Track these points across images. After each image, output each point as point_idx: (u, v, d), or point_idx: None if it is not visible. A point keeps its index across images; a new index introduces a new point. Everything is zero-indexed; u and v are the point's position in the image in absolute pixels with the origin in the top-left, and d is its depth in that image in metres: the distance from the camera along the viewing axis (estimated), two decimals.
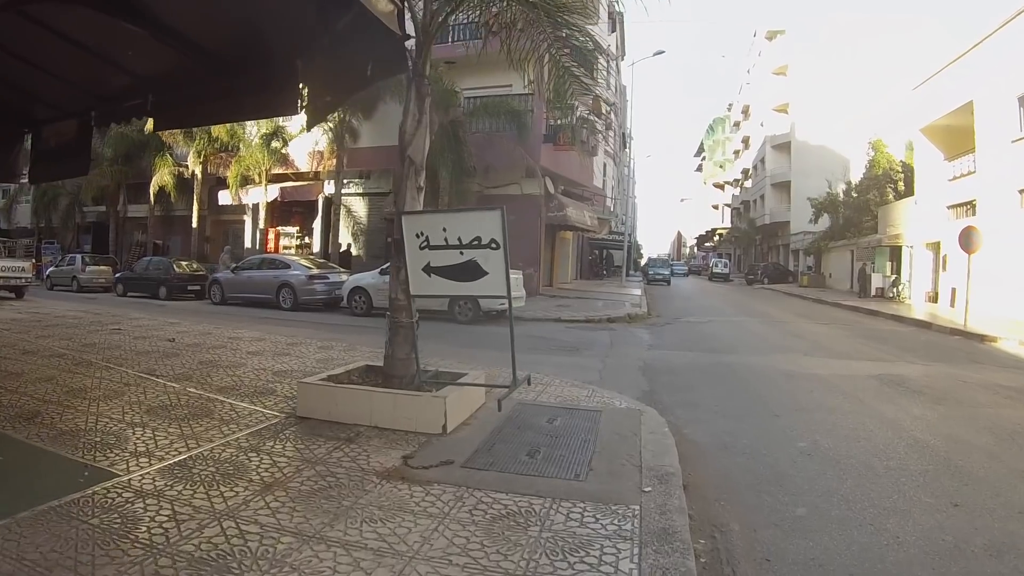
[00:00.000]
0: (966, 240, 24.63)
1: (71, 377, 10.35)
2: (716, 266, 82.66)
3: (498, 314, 22.72)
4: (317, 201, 37.27)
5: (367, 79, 6.70)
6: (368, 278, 24.29)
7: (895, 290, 41.11)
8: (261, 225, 38.34)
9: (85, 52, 7.49)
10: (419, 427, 7.78)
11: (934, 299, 36.60)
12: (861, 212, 51.15)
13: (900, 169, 48.69)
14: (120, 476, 5.99)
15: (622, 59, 64.20)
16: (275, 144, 35.87)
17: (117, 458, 6.49)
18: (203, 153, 37.83)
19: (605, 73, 47.70)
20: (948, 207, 35.65)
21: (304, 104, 7.27)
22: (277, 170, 37.28)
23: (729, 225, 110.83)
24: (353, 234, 36.93)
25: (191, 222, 40.71)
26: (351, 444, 7.21)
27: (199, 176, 39.02)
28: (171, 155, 40.05)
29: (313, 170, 37.04)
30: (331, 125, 32.31)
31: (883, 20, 70.53)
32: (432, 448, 7.20)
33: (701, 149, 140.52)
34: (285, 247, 39.62)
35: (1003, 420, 9.99)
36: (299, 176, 37.92)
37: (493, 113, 30.23)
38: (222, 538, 4.72)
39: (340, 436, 7.51)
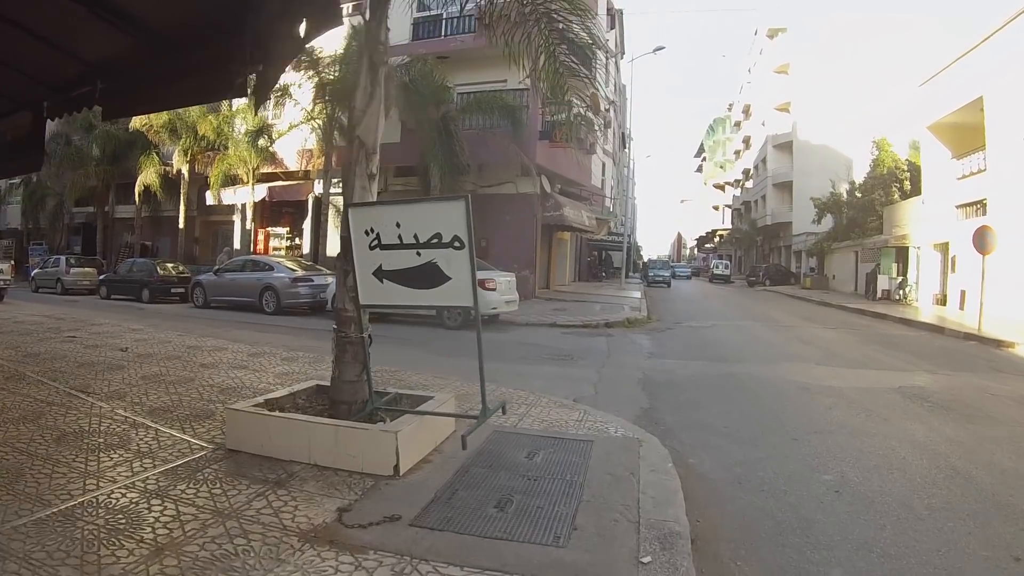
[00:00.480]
0: (980, 241, 23.85)
1: None
2: (717, 268, 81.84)
3: (490, 318, 21.76)
4: (307, 201, 36.01)
5: (301, 42, 5.56)
6: None
7: (902, 292, 40.21)
8: (248, 225, 37.12)
9: (34, 38, 6.73)
10: (366, 467, 6.40)
11: (942, 301, 35.74)
12: (866, 212, 50.25)
13: (906, 168, 47.77)
14: None
15: (621, 57, 63.43)
16: (262, 142, 34.99)
17: None
18: (190, 152, 36.77)
19: (604, 69, 47.15)
20: (957, 206, 34.65)
21: (251, 84, 6.19)
22: (266, 169, 36.35)
23: (730, 226, 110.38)
24: (344, 235, 35.18)
25: (179, 223, 39.71)
26: (280, 489, 5.85)
27: (186, 175, 37.99)
28: (157, 154, 39.18)
29: (303, 169, 35.98)
30: (319, 123, 31.19)
31: (883, 20, 70.25)
32: (378, 497, 5.81)
33: (701, 150, 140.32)
34: (275, 248, 39.59)
35: None
36: (289, 175, 36.91)
37: (486, 109, 29.13)
38: None
39: (269, 477, 6.19)
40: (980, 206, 31.98)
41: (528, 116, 29.88)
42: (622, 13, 60.35)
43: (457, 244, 6.36)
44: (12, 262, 36.07)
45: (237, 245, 38.77)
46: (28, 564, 4.25)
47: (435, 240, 6.44)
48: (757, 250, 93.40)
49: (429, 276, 6.55)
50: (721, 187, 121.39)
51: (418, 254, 6.57)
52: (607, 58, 50.85)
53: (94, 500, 5.43)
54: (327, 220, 33.33)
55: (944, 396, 11.80)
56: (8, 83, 8.11)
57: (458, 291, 6.54)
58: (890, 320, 28.69)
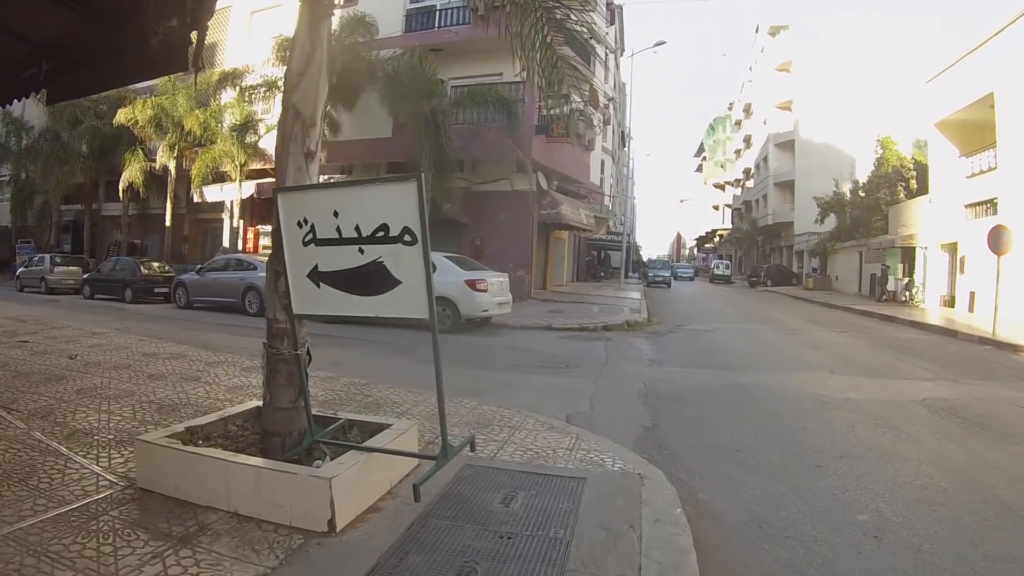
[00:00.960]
0: (995, 240, 22.96)
1: None
2: (717, 268, 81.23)
3: (482, 321, 20.83)
4: None
5: None
6: None
7: (908, 293, 39.29)
8: (235, 223, 36.16)
9: None
10: (295, 519, 5.06)
11: (950, 303, 34.97)
12: (870, 212, 49.39)
13: (912, 166, 46.91)
14: None
15: (621, 54, 62.65)
16: (250, 138, 34.25)
17: None
18: (176, 147, 35.79)
19: (603, 64, 46.34)
20: (966, 206, 33.90)
21: (192, 54, 5.99)
22: (256, 165, 35.33)
23: (730, 226, 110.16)
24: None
25: (166, 221, 38.80)
26: (184, 548, 4.56)
27: (173, 172, 37.03)
28: (143, 150, 38.12)
29: None
30: None
31: (884, 19, 70.15)
32: (304, 564, 4.44)
33: (701, 149, 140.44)
34: (266, 247, 37.80)
35: None
36: None
37: (480, 102, 28.18)
38: None
39: (175, 531, 4.89)
40: (990, 205, 31.24)
41: (524, 110, 28.93)
42: (622, 9, 59.75)
43: (408, 238, 4.99)
44: None
45: (226, 244, 37.79)
46: None
47: (381, 233, 5.10)
48: (758, 250, 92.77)
49: (374, 279, 5.22)
50: (721, 187, 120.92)
51: (361, 251, 5.25)
52: (607, 53, 50.37)
53: None
54: None
55: (974, 410, 10.75)
56: None
57: (409, 298, 5.15)
58: (899, 323, 27.80)
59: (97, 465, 6.32)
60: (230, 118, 34.84)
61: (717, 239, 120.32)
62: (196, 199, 37.68)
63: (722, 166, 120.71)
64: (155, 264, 31.55)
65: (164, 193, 38.37)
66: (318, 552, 4.72)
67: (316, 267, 5.51)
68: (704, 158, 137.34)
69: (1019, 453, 8.36)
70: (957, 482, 7.17)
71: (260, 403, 6.67)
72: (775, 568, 5.11)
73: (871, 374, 14.35)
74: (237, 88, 33.31)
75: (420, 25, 31.61)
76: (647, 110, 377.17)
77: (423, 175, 4.84)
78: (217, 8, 6.02)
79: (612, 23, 53.51)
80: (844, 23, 71.30)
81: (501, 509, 5.58)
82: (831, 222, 56.57)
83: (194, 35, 6.00)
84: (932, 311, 33.71)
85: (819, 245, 59.56)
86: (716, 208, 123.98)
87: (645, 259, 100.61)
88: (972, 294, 31.67)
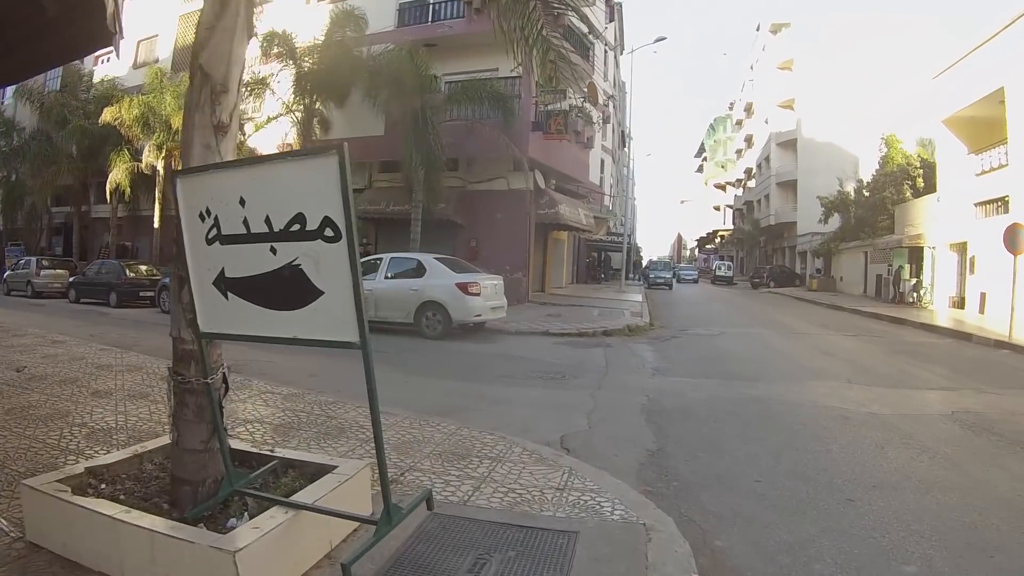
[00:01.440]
0: (1012, 239, 21.76)
1: None
2: (719, 269, 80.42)
3: (475, 327, 19.83)
4: None
5: None
6: None
7: (916, 294, 38.40)
8: None
9: None
10: None
11: (960, 304, 34.06)
12: (875, 211, 48.45)
13: (919, 164, 46.01)
14: None
15: (621, 53, 61.94)
16: (240, 137, 32.83)
17: None
18: (164, 147, 34.84)
19: (602, 60, 45.53)
20: (976, 204, 33.00)
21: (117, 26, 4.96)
22: None
23: (731, 227, 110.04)
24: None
25: (155, 222, 37.99)
26: None
27: (161, 172, 36.02)
28: (129, 150, 37.51)
29: None
30: (297, 115, 29.36)
31: (885, 18, 70.06)
32: None
33: (702, 149, 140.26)
34: None
35: None
36: None
37: (475, 98, 27.10)
38: None
39: None
40: (1001, 203, 30.40)
41: (520, 106, 28.04)
42: (621, 7, 59.02)
43: (330, 232, 3.71)
44: None
45: None
46: None
47: (296, 227, 3.82)
48: (760, 251, 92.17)
49: (290, 288, 3.92)
50: (722, 187, 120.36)
51: (272, 251, 3.96)
52: (606, 50, 49.60)
53: None
54: None
55: (1008, 426, 9.81)
56: None
57: (334, 314, 3.83)
58: (910, 325, 26.95)
59: None
60: None
61: (718, 240, 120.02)
62: None
63: (723, 166, 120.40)
64: (142, 267, 30.66)
65: (154, 194, 37.56)
66: None
67: (223, 272, 4.24)
68: (705, 158, 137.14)
69: None
70: (1010, 518, 6.20)
71: None
72: None
73: (891, 383, 13.37)
74: None
75: (413, 19, 30.89)
76: (647, 110, 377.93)
77: (344, 147, 3.55)
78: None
79: (611, 20, 52.95)
80: (846, 21, 71.15)
81: None
82: (835, 222, 55.77)
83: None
84: (941, 313, 33.02)
85: (823, 245, 58.81)
86: (717, 209, 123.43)
87: (645, 260, 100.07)
88: (983, 295, 30.89)
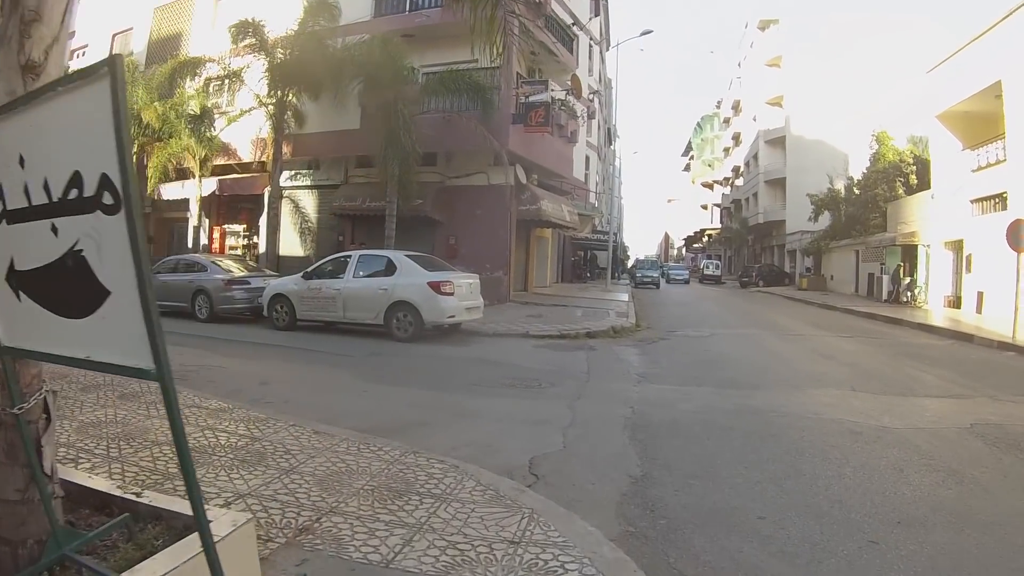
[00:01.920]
0: (1015, 236, 20.92)
1: None
2: (707, 268, 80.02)
3: (451, 328, 18.76)
4: (263, 195, 32.83)
5: None
6: (290, 283, 19.88)
7: (910, 294, 37.59)
8: (195, 222, 34.19)
9: None
10: None
11: (955, 304, 33.39)
12: (867, 209, 47.78)
13: (912, 161, 45.23)
14: None
15: (607, 49, 61.26)
16: (209, 131, 32.35)
17: None
18: (136, 142, 33.39)
19: (587, 54, 44.72)
20: (972, 201, 32.27)
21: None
22: (220, 160, 33.77)
23: (719, 225, 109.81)
24: (301, 232, 32.82)
25: None
26: None
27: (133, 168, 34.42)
28: None
29: (257, 160, 32.88)
30: (270, 109, 28.15)
31: (876, 17, 70.25)
32: None
33: (689, 148, 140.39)
34: (231, 247, 37.15)
35: None
36: (244, 167, 34.13)
37: (453, 89, 25.95)
38: None
39: None
40: (999, 199, 29.68)
41: (500, 97, 26.80)
42: (607, 1, 58.24)
43: (108, 199, 2.42)
44: None
45: (190, 244, 35.68)
46: None
47: (74, 193, 2.49)
48: (748, 249, 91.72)
49: (76, 286, 2.44)
50: (709, 186, 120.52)
51: (54, 229, 2.62)
52: (591, 44, 48.76)
53: None
54: (280, 215, 30.57)
55: None
56: None
57: (122, 326, 2.42)
58: (907, 326, 26.06)
59: None
60: (191, 110, 32.80)
61: (706, 239, 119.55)
62: (166, 196, 35.97)
63: (710, 165, 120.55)
64: None
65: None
66: None
67: (12, 263, 2.91)
68: (692, 157, 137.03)
69: None
70: None
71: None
72: None
73: (899, 391, 12.24)
74: (196, 78, 31.19)
75: (390, 9, 29.87)
76: (634, 108, 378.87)
77: (120, 59, 2.32)
78: None
79: (597, 15, 52.04)
80: (836, 17, 71.30)
81: None
82: (825, 220, 55.27)
83: None
84: (937, 313, 32.25)
85: (813, 244, 58.22)
86: (704, 207, 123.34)
87: (632, 259, 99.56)
88: (980, 294, 30.21)
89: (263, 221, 32.03)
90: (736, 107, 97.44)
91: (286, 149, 29.51)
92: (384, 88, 24.63)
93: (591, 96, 47.47)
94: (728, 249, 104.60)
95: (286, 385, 11.09)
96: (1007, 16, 28.76)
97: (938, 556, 5.17)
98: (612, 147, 75.46)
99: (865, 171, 49.82)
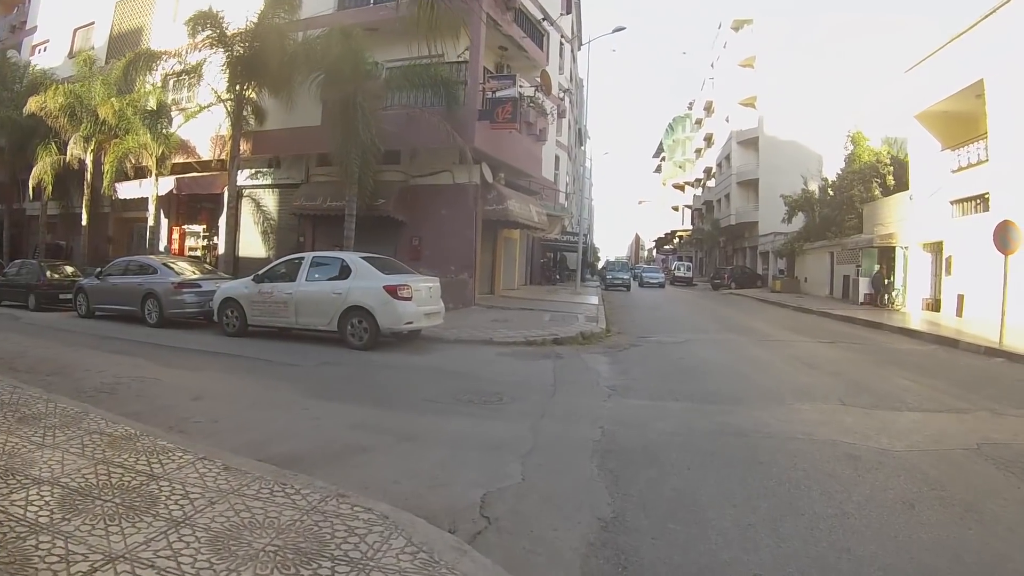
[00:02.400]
0: (1003, 238, 20.60)
1: None
2: (678, 270, 79.93)
3: (410, 334, 17.62)
4: (223, 195, 31.80)
5: None
6: (241, 287, 18.84)
7: (888, 296, 37.13)
8: (152, 222, 33.17)
9: None
10: None
11: (935, 307, 33.00)
12: (842, 210, 47.56)
13: (888, 161, 44.95)
14: None
15: (579, 49, 60.66)
16: (166, 128, 31.60)
17: None
18: (93, 139, 32.86)
19: (557, 52, 44.06)
20: (952, 202, 31.89)
21: None
22: (179, 159, 32.93)
23: (690, 227, 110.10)
24: (263, 232, 32.01)
25: (90, 219, 36.09)
26: None
27: (90, 166, 34.10)
28: (56, 144, 34.91)
29: (217, 158, 31.93)
30: (229, 105, 27.26)
31: (851, 18, 71.11)
32: None
33: (660, 150, 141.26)
34: (191, 248, 36.28)
35: None
36: (204, 165, 33.13)
37: (417, 84, 25.21)
38: None
39: None
40: (981, 200, 29.27)
41: (466, 93, 26.02)
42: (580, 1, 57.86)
43: None
44: None
45: (149, 245, 34.65)
46: None
47: None
48: (720, 251, 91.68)
49: None
50: (681, 187, 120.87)
51: None
52: (562, 43, 48.13)
53: None
54: (239, 215, 30.14)
55: None
56: None
57: None
58: (888, 330, 25.33)
59: None
60: (150, 106, 32.00)
61: (677, 240, 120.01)
62: (115, 195, 34.84)
63: (681, 166, 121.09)
64: (68, 268, 28.52)
65: (82, 190, 35.46)
66: None
67: None
68: (663, 158, 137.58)
69: None
70: None
71: None
72: None
73: (892, 405, 11.28)
74: (152, 73, 30.09)
75: (353, 2, 29.04)
76: (605, 110, 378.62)
77: None
78: None
79: (568, 12, 51.33)
80: (810, 18, 73.03)
81: None
82: (799, 221, 55.09)
83: None
84: (916, 315, 31.73)
85: (786, 245, 58.02)
86: (675, 209, 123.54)
87: (603, 261, 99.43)
88: (961, 297, 29.70)
89: (222, 221, 31.08)
90: (708, 108, 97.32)
91: (245, 146, 28.82)
92: (344, 82, 23.73)
93: (561, 95, 46.88)
94: (699, 251, 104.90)
95: (220, 401, 10.09)
96: (990, 13, 28.40)
97: None
98: (583, 148, 75.45)
99: (840, 172, 49.61)
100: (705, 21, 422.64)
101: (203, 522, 4.85)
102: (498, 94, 25.98)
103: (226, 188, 28.34)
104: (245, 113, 27.39)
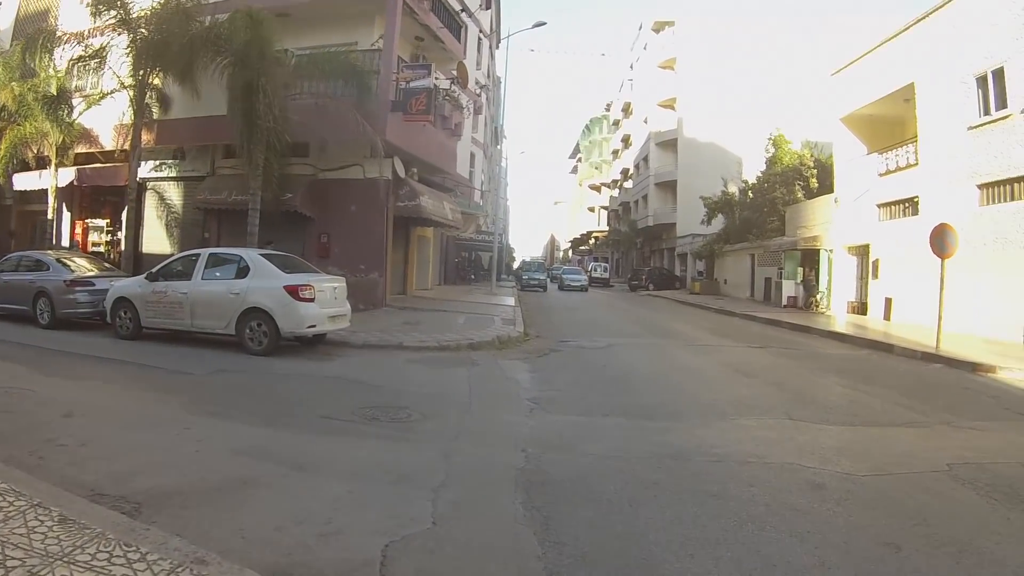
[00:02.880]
0: (939, 242, 20.30)
1: None
2: (595, 271, 79.11)
3: (314, 338, 16.36)
4: (127, 187, 30.26)
5: None
6: (134, 286, 17.36)
7: (813, 299, 36.73)
8: (51, 215, 31.32)
9: None
10: None
11: (861, 310, 32.93)
12: (764, 212, 47.25)
13: (812, 164, 44.83)
14: None
15: (498, 45, 60.24)
16: (67, 115, 29.39)
17: None
18: None
19: (475, 46, 43.08)
20: (879, 205, 31.87)
21: None
22: (82, 148, 30.94)
23: (606, 228, 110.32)
24: (167, 227, 30.40)
25: None
26: None
27: None
28: None
29: (120, 148, 29.85)
30: (132, 92, 25.67)
31: (775, 23, 71.95)
32: None
33: (577, 150, 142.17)
34: (94, 244, 34.58)
35: None
36: (107, 156, 31.37)
37: (328, 72, 23.94)
38: None
39: None
40: (910, 204, 29.21)
41: (379, 83, 24.71)
42: None
43: None
44: None
45: (53, 239, 32.97)
46: None
47: None
48: (637, 252, 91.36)
49: None
50: (597, 188, 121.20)
51: None
52: (480, 38, 47.29)
53: None
54: (142, 208, 29.00)
55: None
56: None
57: None
58: (816, 334, 24.87)
59: None
60: (50, 91, 29.90)
61: (593, 241, 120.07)
62: (11, 186, 32.85)
63: (598, 168, 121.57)
64: None
65: None
66: None
67: None
68: (580, 159, 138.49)
69: None
70: None
71: None
72: None
73: (843, 419, 10.38)
74: (50, 55, 28.39)
75: None
76: (522, 109, 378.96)
77: None
78: None
79: (488, 8, 50.71)
80: (732, 20, 72.57)
81: None
82: (718, 223, 54.86)
83: None
84: (842, 318, 31.63)
85: (705, 247, 57.63)
86: (592, 210, 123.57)
87: (518, 261, 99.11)
88: (888, 300, 29.68)
89: (124, 215, 29.55)
90: (627, 109, 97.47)
91: (149, 136, 27.44)
92: (250, 69, 22.33)
93: (478, 90, 46.09)
94: (616, 252, 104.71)
95: (94, 418, 8.69)
96: (923, 18, 28.57)
97: None
98: (499, 147, 75.12)
99: (760, 174, 49.56)
100: (624, 24, 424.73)
101: None
102: (412, 84, 24.85)
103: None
104: (148, 100, 26.16)
